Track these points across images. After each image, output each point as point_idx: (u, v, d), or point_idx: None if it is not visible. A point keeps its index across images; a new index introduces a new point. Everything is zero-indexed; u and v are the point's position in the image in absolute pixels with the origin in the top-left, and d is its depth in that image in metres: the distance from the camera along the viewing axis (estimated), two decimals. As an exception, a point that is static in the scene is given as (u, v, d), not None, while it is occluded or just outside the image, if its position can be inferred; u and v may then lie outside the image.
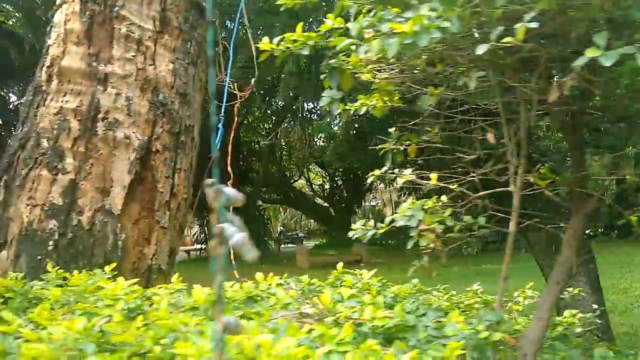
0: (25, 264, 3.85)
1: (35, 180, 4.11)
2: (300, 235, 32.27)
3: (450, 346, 2.10)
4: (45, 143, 4.17)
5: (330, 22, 2.96)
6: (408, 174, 3.06)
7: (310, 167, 29.87)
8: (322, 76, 2.95)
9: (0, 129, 18.11)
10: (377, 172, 3.20)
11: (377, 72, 2.93)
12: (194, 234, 29.67)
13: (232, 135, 5.77)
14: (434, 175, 3.02)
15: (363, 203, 32.70)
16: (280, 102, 23.40)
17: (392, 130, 3.34)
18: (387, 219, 2.97)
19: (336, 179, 29.12)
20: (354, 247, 20.44)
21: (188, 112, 4.80)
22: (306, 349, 1.80)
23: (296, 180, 28.77)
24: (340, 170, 28.13)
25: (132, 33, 4.48)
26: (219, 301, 1.61)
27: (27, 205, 4.05)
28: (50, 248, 3.91)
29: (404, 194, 29.02)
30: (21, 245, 3.95)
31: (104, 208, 4.12)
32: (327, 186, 30.06)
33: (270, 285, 3.08)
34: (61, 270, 3.38)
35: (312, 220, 37.34)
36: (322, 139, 29.43)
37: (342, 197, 28.72)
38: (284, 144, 29.04)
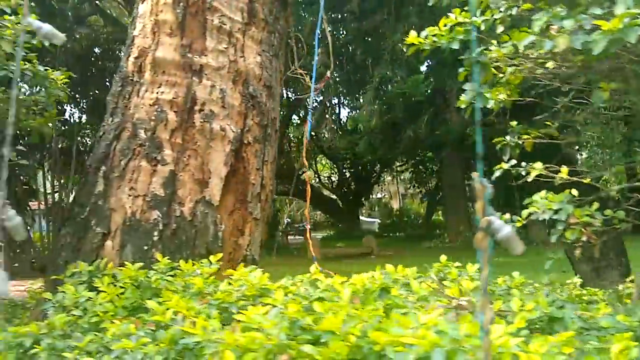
0: (131, 254, 3.87)
1: (135, 171, 4.12)
2: (303, 227, 32.28)
3: (622, 337, 2.12)
4: (142, 134, 4.18)
5: (454, 16, 2.99)
6: (540, 167, 3.08)
7: (317, 159, 29.90)
8: (460, 70, 2.98)
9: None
10: (504, 165, 3.21)
11: (514, 66, 2.96)
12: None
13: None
14: (564, 169, 3.06)
15: (371, 195, 32.75)
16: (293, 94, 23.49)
17: (513, 123, 3.36)
18: (524, 213, 2.99)
19: (344, 170, 29.14)
20: (365, 239, 20.43)
21: (273, 104, 4.82)
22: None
23: (305, 172, 28.58)
24: (349, 161, 28.20)
25: (224, 25, 4.49)
26: (484, 293, 1.65)
27: (129, 196, 4.06)
28: (155, 239, 3.94)
29: (412, 187, 29.21)
30: (126, 235, 3.97)
31: (204, 199, 4.14)
32: (334, 178, 30.08)
33: (404, 276, 3.10)
34: (168, 260, 3.42)
35: (318, 212, 37.38)
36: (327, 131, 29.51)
37: (350, 189, 28.74)
38: (292, 136, 29.11)
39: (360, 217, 30.02)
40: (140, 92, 4.33)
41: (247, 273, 2.99)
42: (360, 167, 28.14)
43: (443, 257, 3.69)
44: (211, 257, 3.39)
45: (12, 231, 1.73)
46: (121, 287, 3.14)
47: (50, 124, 5.02)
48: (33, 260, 18.84)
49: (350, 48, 20.19)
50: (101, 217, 4.05)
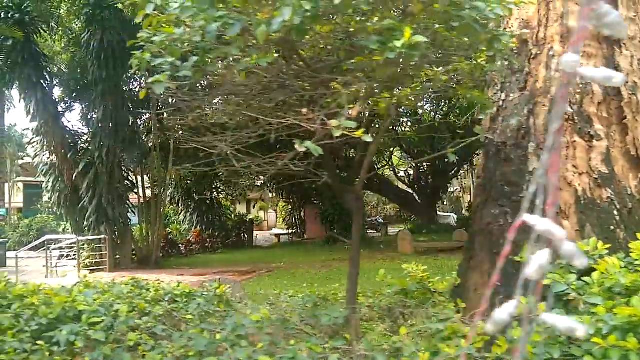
0: (594, 234, 3.61)
1: (570, 147, 3.87)
2: (380, 221, 32.01)
3: None
4: (568, 108, 3.92)
5: None
6: None
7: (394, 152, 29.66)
8: None
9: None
10: None
11: None
12: (285, 218, 29.60)
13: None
14: None
15: (448, 189, 32.37)
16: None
17: None
18: None
19: (420, 165, 28.82)
20: (457, 233, 20.09)
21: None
22: None
23: (382, 167, 28.52)
24: (427, 154, 27.86)
25: (633, -8, 4.22)
26: None
27: (574, 173, 3.81)
28: (617, 218, 3.67)
29: None
30: (582, 214, 3.71)
31: (640, 178, 3.88)
32: (411, 172, 29.78)
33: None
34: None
35: (387, 207, 37.14)
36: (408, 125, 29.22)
37: (428, 183, 28.42)
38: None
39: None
40: (552, 65, 4.07)
41: None
42: (437, 161, 27.82)
43: None
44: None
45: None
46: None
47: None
48: (133, 253, 18.86)
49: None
50: (546, 196, 3.78)
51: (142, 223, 19.33)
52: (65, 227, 27.16)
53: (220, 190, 24.91)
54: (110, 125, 16.83)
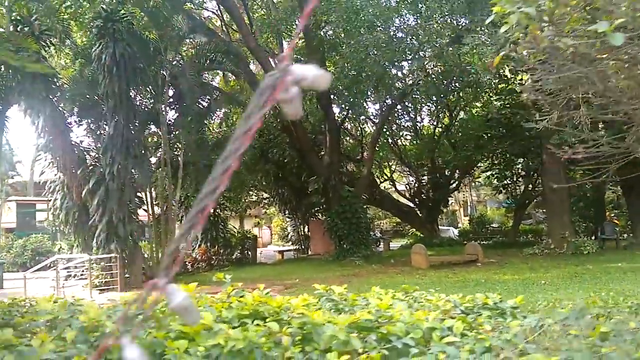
0: None
1: None
2: (378, 235, 31.80)
3: None
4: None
5: None
6: None
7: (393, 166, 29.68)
8: None
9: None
10: None
11: None
12: (288, 235, 29.29)
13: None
14: None
15: (449, 202, 32.37)
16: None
17: None
18: None
19: (421, 177, 28.84)
20: (468, 246, 20.01)
21: None
22: None
23: (384, 181, 28.45)
24: (426, 168, 27.89)
25: None
26: None
27: None
28: None
29: (498, 192, 28.76)
30: None
31: None
32: (412, 185, 29.74)
33: None
34: None
35: (384, 221, 36.96)
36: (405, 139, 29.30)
37: (428, 196, 28.38)
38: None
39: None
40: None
41: None
42: (438, 174, 27.82)
43: None
44: None
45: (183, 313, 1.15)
46: None
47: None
48: (144, 271, 18.39)
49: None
50: None
51: (152, 240, 18.90)
52: (60, 247, 26.51)
53: (224, 206, 24.51)
54: (121, 141, 16.46)
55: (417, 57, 18.24)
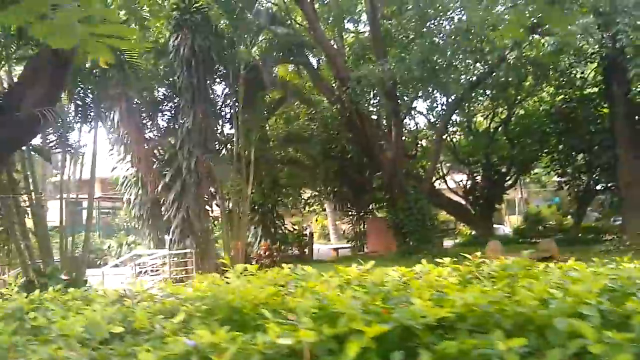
0: None
1: None
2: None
3: None
4: None
5: None
6: None
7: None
8: None
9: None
10: None
11: None
12: (344, 232, 28.97)
13: None
14: None
15: (503, 200, 31.76)
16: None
17: None
18: None
19: (475, 174, 28.31)
20: (543, 242, 19.50)
21: None
22: None
23: (438, 178, 27.96)
24: (480, 164, 27.37)
25: None
26: None
27: None
28: None
29: (560, 189, 28.19)
30: None
31: None
32: (465, 182, 29.19)
33: None
34: None
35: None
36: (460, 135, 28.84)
37: (483, 193, 27.83)
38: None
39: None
40: None
41: None
42: (493, 172, 27.28)
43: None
44: None
45: None
46: None
47: None
48: (216, 266, 18.10)
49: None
50: None
51: (223, 236, 18.65)
52: (110, 245, 26.35)
53: (281, 202, 24.20)
54: (199, 135, 16.18)
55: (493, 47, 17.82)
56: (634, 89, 19.76)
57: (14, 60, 10.57)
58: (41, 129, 10.34)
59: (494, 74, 19.67)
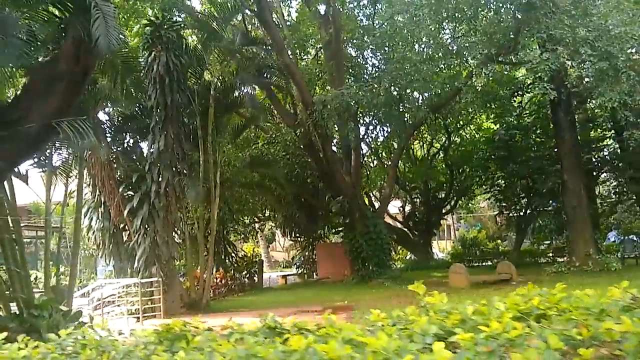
0: None
1: None
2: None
3: None
4: None
5: None
6: None
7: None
8: None
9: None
10: None
11: None
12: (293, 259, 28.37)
13: None
14: None
15: (441, 225, 32.56)
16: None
17: None
18: None
19: (414, 200, 28.95)
20: (500, 265, 20.10)
21: None
22: None
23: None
24: (418, 190, 28.03)
25: None
26: None
27: None
28: None
29: (500, 213, 29.19)
30: None
31: None
32: (404, 208, 29.72)
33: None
34: None
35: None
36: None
37: (423, 219, 28.48)
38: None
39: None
40: None
41: None
42: (430, 197, 28.03)
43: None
44: None
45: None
46: None
47: None
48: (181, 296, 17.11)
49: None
50: None
51: (186, 264, 17.68)
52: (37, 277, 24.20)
53: (232, 229, 23.42)
54: (171, 157, 15.37)
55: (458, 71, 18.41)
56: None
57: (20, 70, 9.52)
58: (48, 143, 9.37)
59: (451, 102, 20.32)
